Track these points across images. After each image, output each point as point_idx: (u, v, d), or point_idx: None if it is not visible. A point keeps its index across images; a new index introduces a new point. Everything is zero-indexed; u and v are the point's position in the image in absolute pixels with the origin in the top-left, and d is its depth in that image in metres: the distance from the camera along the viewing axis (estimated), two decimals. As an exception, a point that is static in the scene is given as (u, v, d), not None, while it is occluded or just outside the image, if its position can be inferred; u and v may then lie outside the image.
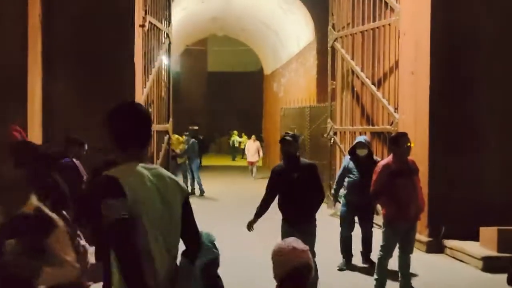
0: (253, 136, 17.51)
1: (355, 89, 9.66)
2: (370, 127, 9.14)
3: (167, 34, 9.40)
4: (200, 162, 19.69)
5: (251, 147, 16.76)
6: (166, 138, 9.48)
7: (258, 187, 13.14)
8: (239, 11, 17.30)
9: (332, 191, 7.25)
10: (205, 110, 34.09)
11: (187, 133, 15.13)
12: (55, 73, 6.08)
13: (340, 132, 9.88)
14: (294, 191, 4.75)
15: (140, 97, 7.24)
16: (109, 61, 6.34)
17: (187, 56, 31.33)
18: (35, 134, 5.58)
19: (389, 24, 8.49)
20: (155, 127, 8.94)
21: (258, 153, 16.72)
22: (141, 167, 2.06)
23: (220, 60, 33.90)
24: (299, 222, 4.77)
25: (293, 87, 16.38)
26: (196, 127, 33.06)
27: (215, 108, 33.94)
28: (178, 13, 14.69)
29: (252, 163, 16.83)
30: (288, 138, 4.82)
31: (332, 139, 9.95)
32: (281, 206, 4.92)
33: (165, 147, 9.40)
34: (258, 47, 21.68)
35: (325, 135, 10.31)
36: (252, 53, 23.78)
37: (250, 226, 4.97)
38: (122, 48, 6.41)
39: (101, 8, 6.32)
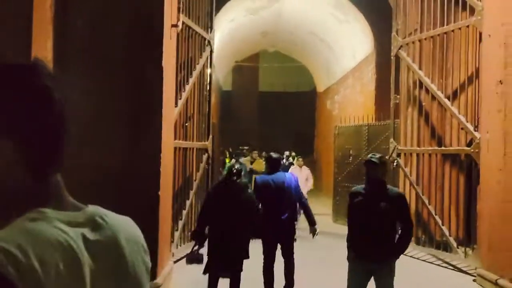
0: (299, 159, 11.62)
1: (422, 104, 8.29)
2: (442, 148, 7.73)
3: (209, 41, 8.45)
4: None
5: (299, 175, 9.66)
6: (205, 157, 8.45)
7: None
8: (290, 25, 16.30)
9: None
10: (257, 130, 33.22)
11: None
12: (68, 78, 5.16)
13: (405, 154, 8.49)
14: (376, 223, 4.01)
15: (171, 110, 6.26)
16: (132, 66, 5.39)
17: (238, 74, 30.73)
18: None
19: (467, 26, 7.14)
20: (194, 144, 7.97)
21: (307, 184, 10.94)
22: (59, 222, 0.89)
23: (272, 79, 33.04)
24: (375, 261, 4.07)
25: (349, 104, 15.07)
26: (246, 147, 32.23)
27: (267, 128, 33.02)
28: (225, 25, 13.88)
29: None
30: (374, 159, 4.10)
31: (396, 161, 8.58)
32: (354, 240, 4.21)
33: (203, 167, 8.36)
34: (311, 63, 20.56)
35: (386, 157, 8.93)
36: (304, 71, 22.68)
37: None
38: (148, 51, 5.45)
39: (126, 3, 5.41)
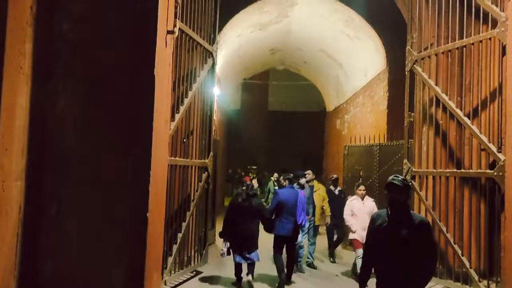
0: (360, 188, 8.22)
1: (439, 122, 7.69)
2: (462, 170, 7.11)
3: (211, 53, 7.98)
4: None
5: (361, 208, 7.94)
6: (204, 175, 7.90)
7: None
8: (300, 42, 15.89)
9: None
10: (265, 149, 32.87)
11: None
12: (51, 86, 4.71)
13: (420, 176, 7.87)
14: (401, 255, 3.68)
15: (165, 124, 5.74)
16: (122, 74, 4.90)
17: (247, 92, 30.43)
18: (12, 158, 4.16)
19: (490, 39, 6.60)
20: (192, 161, 7.44)
21: None
22: None
23: (281, 98, 32.81)
24: None
25: (359, 124, 14.51)
26: (254, 167, 31.75)
27: (275, 147, 32.69)
28: (232, 40, 13.48)
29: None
30: (397, 182, 3.78)
31: (410, 184, 7.94)
32: (379, 274, 3.86)
33: (202, 186, 7.80)
34: (320, 81, 20.08)
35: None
36: (314, 90, 22.23)
37: None
38: (140, 58, 4.96)
39: (115, 5, 4.95)
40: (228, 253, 7.19)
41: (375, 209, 7.75)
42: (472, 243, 6.95)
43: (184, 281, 7.18)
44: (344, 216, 8.06)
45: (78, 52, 4.89)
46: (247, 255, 7.02)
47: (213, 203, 11.20)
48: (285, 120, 33.24)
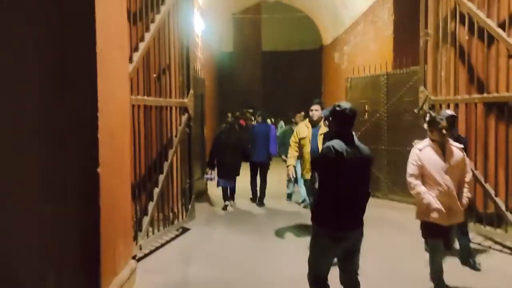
0: (441, 124, 4.62)
1: (459, 42, 6.39)
2: (486, 95, 5.90)
3: (181, -29, 6.52)
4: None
5: (438, 163, 4.28)
6: (184, 117, 6.67)
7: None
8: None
9: None
10: (260, 91, 31.44)
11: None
12: None
13: (440, 105, 6.66)
14: (351, 186, 3.38)
15: (121, 53, 4.45)
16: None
17: (238, 31, 28.66)
18: None
19: None
20: (166, 101, 6.19)
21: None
22: None
23: (275, 36, 30.97)
24: (349, 233, 3.42)
25: (360, 55, 13.09)
26: (250, 110, 30.44)
27: (270, 89, 31.22)
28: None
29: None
30: (346, 108, 3.46)
31: (429, 115, 6.73)
32: (327, 208, 3.41)
33: (182, 130, 6.60)
34: (316, 12, 18.41)
35: (415, 110, 7.11)
36: (309, 23, 20.48)
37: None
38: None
39: None
40: (211, 179, 8.60)
41: (467, 161, 4.48)
42: (499, 180, 5.84)
43: (167, 242, 6.14)
44: (407, 179, 4.40)
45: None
46: (230, 180, 8.45)
47: (203, 149, 10.08)
48: (280, 60, 31.63)
